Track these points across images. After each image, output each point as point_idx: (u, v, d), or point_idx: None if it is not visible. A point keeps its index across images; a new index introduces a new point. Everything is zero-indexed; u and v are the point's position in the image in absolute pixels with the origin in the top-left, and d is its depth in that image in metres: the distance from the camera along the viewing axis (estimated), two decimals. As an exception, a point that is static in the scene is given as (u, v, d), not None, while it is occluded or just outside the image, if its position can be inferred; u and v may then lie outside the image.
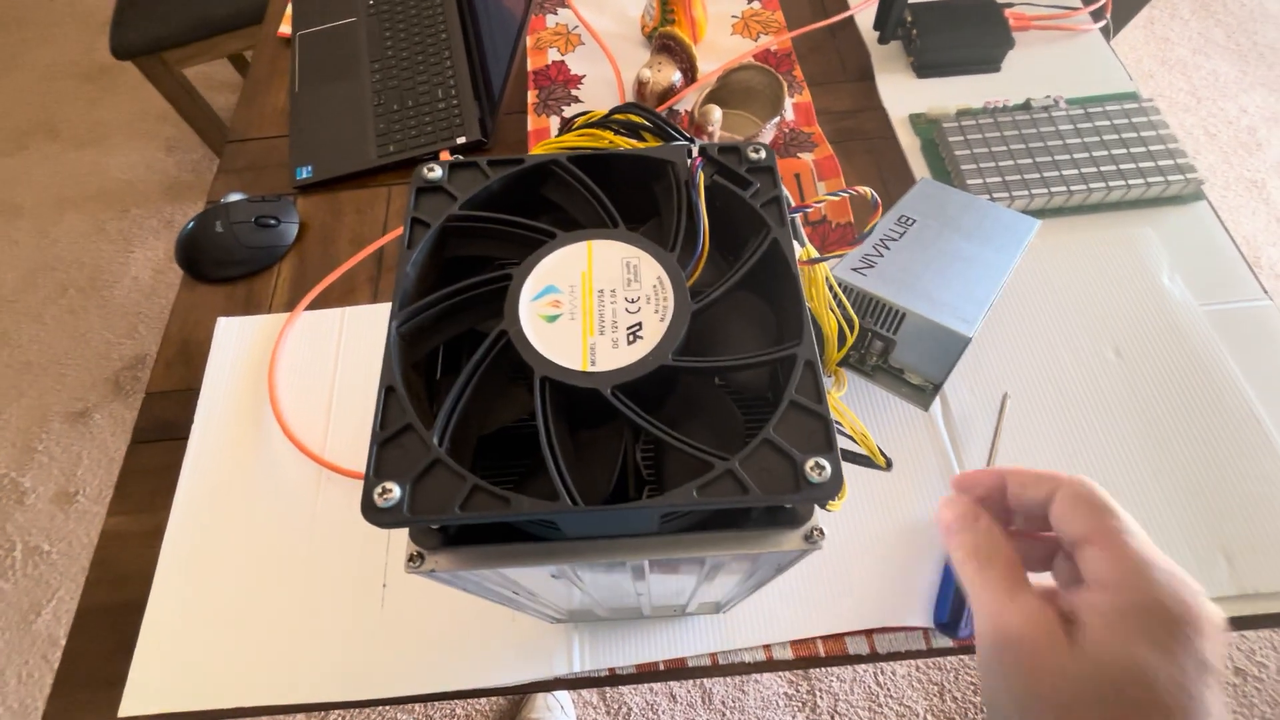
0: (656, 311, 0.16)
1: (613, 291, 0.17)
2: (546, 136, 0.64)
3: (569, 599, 0.29)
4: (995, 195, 0.55)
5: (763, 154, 0.19)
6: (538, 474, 0.16)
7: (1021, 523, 0.22)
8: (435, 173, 0.19)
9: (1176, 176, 0.55)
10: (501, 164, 0.19)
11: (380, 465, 0.14)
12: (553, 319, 0.16)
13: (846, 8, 0.71)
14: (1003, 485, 0.21)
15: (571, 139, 0.26)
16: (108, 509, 0.49)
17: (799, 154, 0.61)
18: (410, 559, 0.16)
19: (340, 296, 0.57)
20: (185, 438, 0.50)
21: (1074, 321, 0.51)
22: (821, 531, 0.16)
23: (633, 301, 0.16)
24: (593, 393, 0.15)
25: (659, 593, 0.26)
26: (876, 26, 0.66)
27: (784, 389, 0.15)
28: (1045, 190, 0.55)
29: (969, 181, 0.56)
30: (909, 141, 0.62)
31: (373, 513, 0.14)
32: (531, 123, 0.65)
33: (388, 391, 0.15)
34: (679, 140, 0.24)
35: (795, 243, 0.20)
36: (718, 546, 0.16)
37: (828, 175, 0.59)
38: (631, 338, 0.16)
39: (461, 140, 0.63)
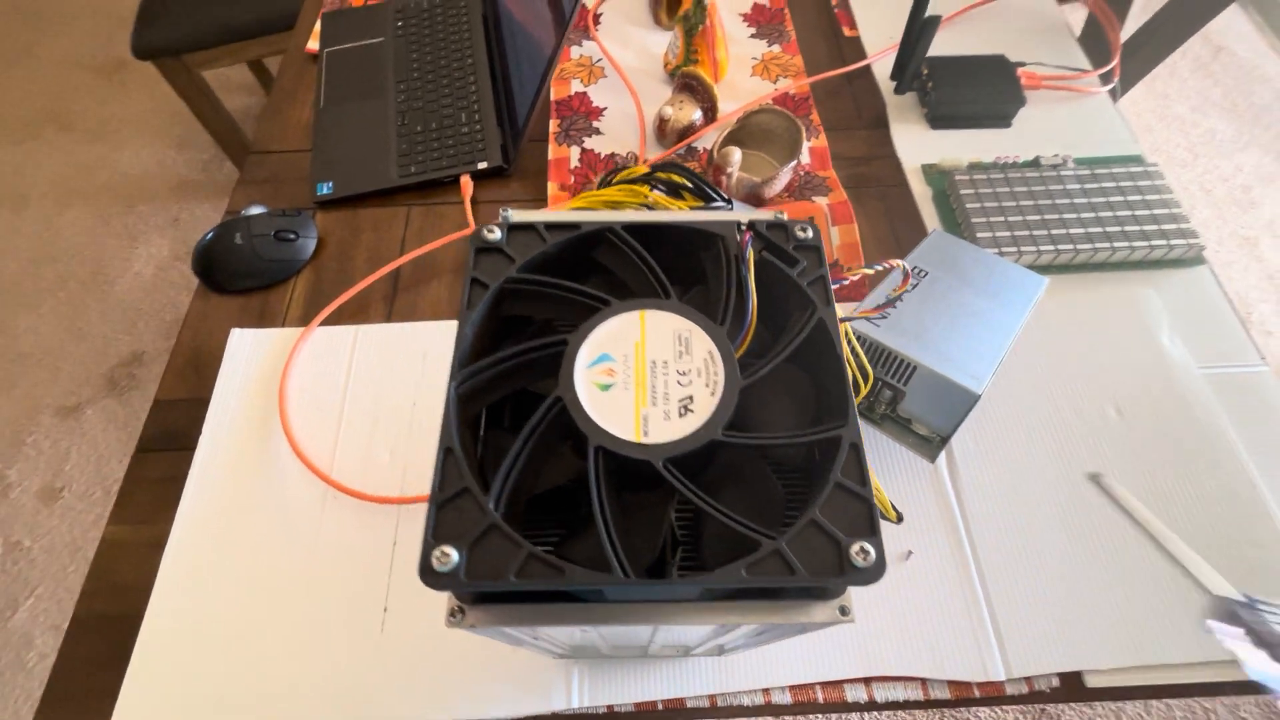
0: (707, 385, 0.17)
1: (665, 363, 0.17)
2: (566, 166, 0.65)
3: (578, 637, 0.30)
4: (1004, 249, 0.56)
5: (809, 233, 0.20)
6: (580, 534, 0.17)
7: None
8: (495, 234, 0.20)
9: (1179, 240, 0.57)
10: (559, 228, 0.20)
11: (439, 527, 0.15)
12: (606, 387, 0.17)
13: (864, 56, 0.73)
14: None
15: (612, 193, 0.26)
16: (108, 517, 0.49)
17: (814, 198, 0.62)
18: (451, 614, 0.17)
19: (354, 314, 0.57)
20: (190, 448, 0.50)
21: (1077, 378, 0.52)
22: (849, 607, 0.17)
23: (684, 374, 0.17)
24: (645, 463, 0.16)
25: (672, 638, 0.26)
26: (894, 77, 0.68)
27: (830, 470, 0.16)
28: (1052, 247, 0.56)
29: (979, 234, 0.57)
30: (920, 190, 0.63)
31: (430, 577, 0.14)
32: (552, 151, 0.66)
33: (446, 453, 0.16)
34: (718, 201, 0.25)
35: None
36: (753, 614, 0.16)
37: (841, 220, 0.60)
38: (683, 410, 0.16)
39: (483, 165, 0.64)
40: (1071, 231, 0.57)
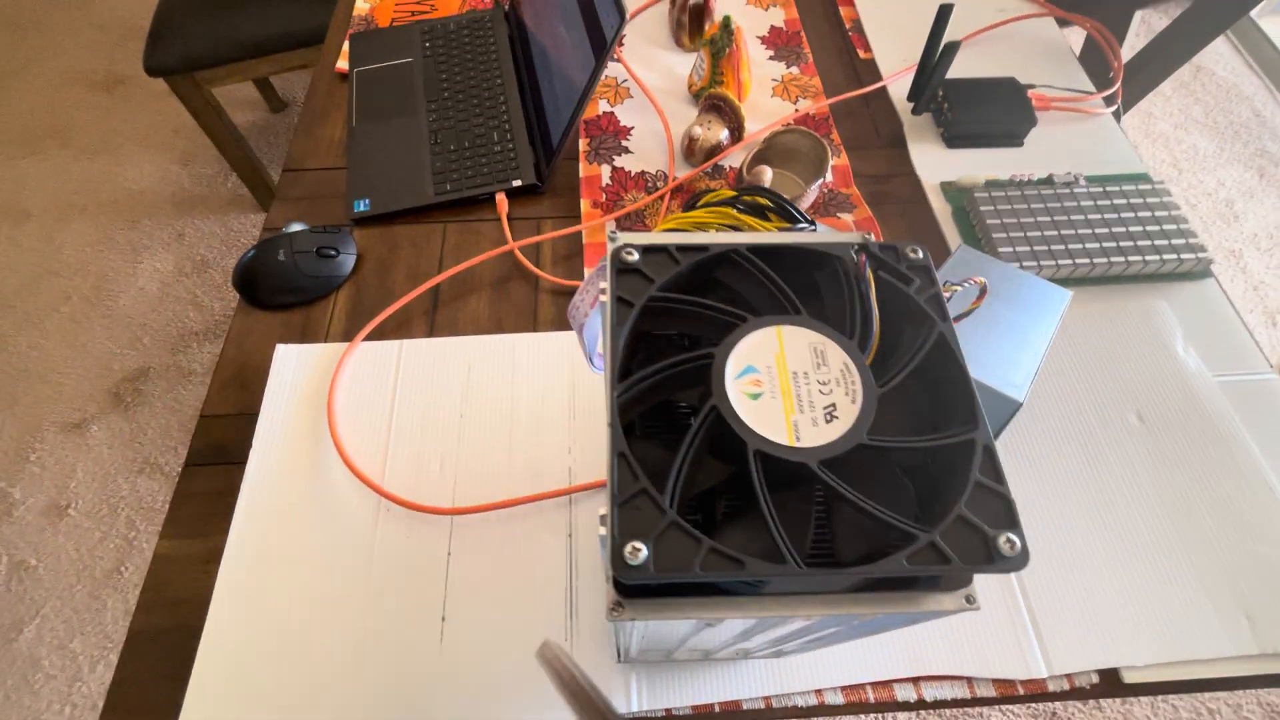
0: (847, 394, 0.18)
1: (805, 374, 0.19)
2: (598, 183, 0.67)
3: (680, 633, 0.31)
4: (1024, 264, 0.59)
5: (920, 254, 0.22)
6: (725, 529, 0.18)
7: None
8: (633, 256, 0.21)
9: (1188, 254, 0.60)
10: (689, 250, 0.22)
11: (623, 526, 0.16)
12: (756, 396, 0.18)
13: (879, 78, 0.76)
14: None
15: (700, 214, 0.28)
16: (160, 531, 0.49)
17: (839, 214, 0.64)
18: (612, 608, 0.18)
19: (395, 328, 0.58)
20: (239, 462, 0.51)
21: (1098, 386, 0.55)
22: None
23: (824, 384, 0.19)
24: (801, 466, 0.17)
25: (766, 638, 0.27)
26: (911, 98, 0.71)
27: (970, 470, 0.17)
28: (1070, 261, 0.59)
29: (1000, 249, 0.59)
30: (940, 207, 0.66)
31: (624, 569, 0.16)
32: (583, 169, 0.68)
33: (620, 457, 0.17)
34: (801, 221, 0.27)
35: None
36: (891, 604, 0.18)
37: (867, 236, 0.62)
38: (828, 417, 0.18)
39: (517, 183, 0.65)
40: (1087, 246, 0.60)
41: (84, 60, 1.86)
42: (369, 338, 0.57)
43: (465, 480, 0.50)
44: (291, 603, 0.45)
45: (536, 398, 0.53)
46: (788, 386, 0.18)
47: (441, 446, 0.51)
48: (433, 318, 0.59)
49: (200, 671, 0.43)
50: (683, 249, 0.21)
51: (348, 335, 0.58)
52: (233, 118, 1.70)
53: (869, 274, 0.20)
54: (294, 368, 0.55)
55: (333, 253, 0.60)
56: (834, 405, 0.18)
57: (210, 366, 1.35)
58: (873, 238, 0.25)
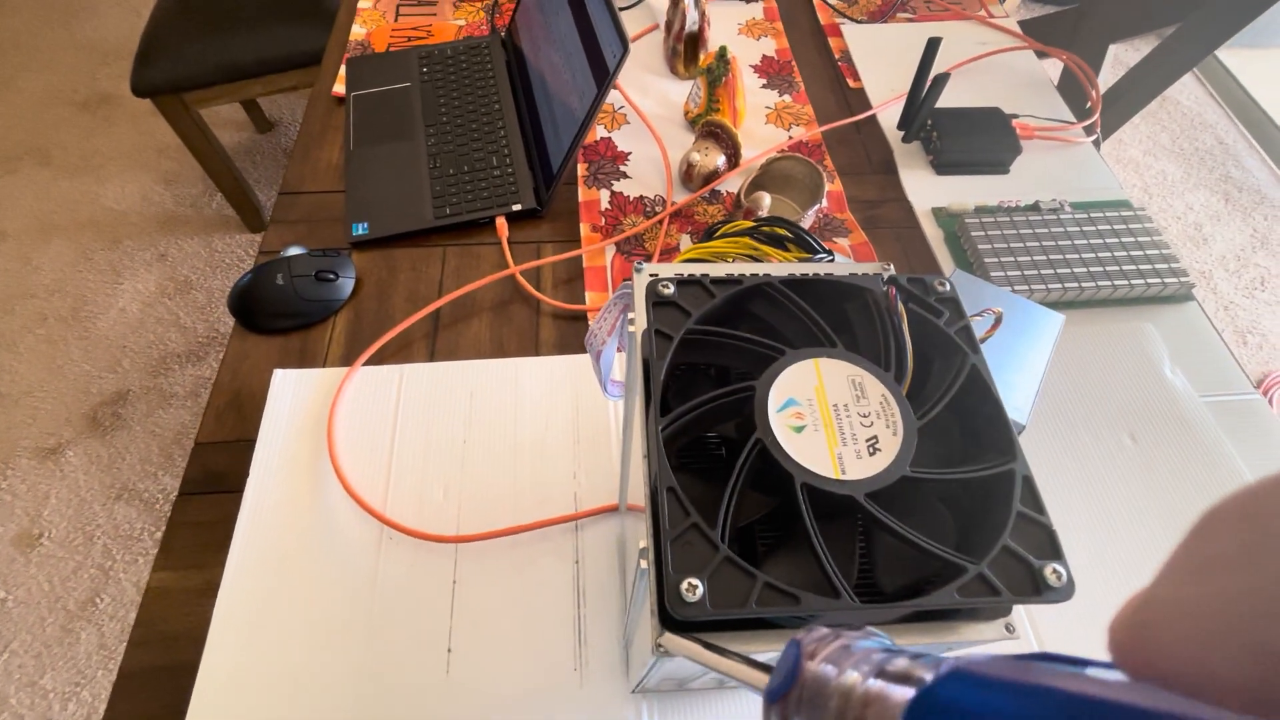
0: (888, 426, 0.19)
1: (845, 406, 0.19)
2: (597, 207, 0.67)
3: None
4: (1015, 287, 0.60)
5: (948, 286, 0.22)
6: (769, 562, 0.18)
7: None
8: (669, 290, 0.22)
9: (1171, 279, 0.62)
10: (723, 283, 0.22)
11: (676, 562, 0.16)
12: (799, 429, 0.18)
13: (869, 106, 0.78)
14: None
15: (720, 245, 0.29)
16: (153, 564, 0.47)
17: (835, 239, 0.65)
18: (659, 645, 0.18)
19: (396, 353, 0.58)
20: (236, 490, 0.50)
21: (1091, 408, 0.56)
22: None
23: (865, 416, 0.19)
24: (847, 499, 0.17)
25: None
26: (901, 126, 0.73)
27: (1011, 500, 0.18)
28: (1060, 285, 0.61)
29: (992, 274, 0.61)
30: (932, 232, 0.67)
31: (681, 606, 0.16)
32: (582, 194, 0.68)
33: (669, 492, 0.17)
34: (820, 251, 0.27)
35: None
36: (935, 635, 0.18)
37: (864, 260, 0.63)
38: (871, 449, 0.18)
39: (517, 207, 0.65)
40: (1075, 270, 0.62)
41: (67, 79, 1.84)
42: (369, 362, 0.56)
43: (470, 507, 0.49)
44: (292, 636, 0.44)
45: (540, 422, 0.53)
46: (829, 419, 0.19)
47: (445, 473, 0.51)
48: (434, 342, 0.58)
49: (197, 711, 0.41)
50: (717, 281, 0.22)
51: (347, 360, 0.57)
52: (219, 138, 1.69)
53: (900, 307, 0.21)
54: (292, 393, 0.54)
55: (331, 276, 0.59)
56: (876, 437, 0.18)
57: (193, 389, 1.32)
58: (892, 268, 0.26)
